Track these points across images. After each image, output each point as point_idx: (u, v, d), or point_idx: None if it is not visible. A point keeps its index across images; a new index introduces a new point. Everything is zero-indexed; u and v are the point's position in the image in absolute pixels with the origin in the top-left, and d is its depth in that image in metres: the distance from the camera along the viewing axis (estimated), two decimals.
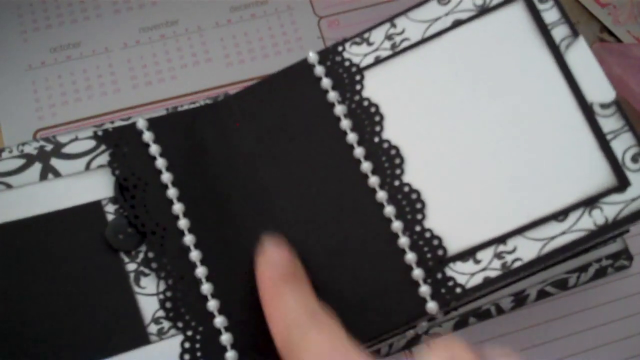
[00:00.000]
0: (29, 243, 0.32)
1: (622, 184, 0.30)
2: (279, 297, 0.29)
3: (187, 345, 0.31)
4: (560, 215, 0.31)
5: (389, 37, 0.34)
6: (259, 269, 0.30)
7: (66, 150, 0.33)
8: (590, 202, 0.30)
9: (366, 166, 0.32)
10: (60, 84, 0.42)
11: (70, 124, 0.41)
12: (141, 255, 0.32)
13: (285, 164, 0.33)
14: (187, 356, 0.30)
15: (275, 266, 0.30)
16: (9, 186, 0.32)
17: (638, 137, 0.31)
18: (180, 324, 0.31)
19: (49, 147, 0.33)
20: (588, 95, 0.32)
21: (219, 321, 0.31)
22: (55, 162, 0.33)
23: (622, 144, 0.31)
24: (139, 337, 0.31)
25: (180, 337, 0.31)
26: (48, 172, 0.33)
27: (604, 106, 0.32)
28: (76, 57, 0.43)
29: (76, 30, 0.43)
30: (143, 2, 0.44)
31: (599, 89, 0.32)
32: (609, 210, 0.30)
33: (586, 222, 0.30)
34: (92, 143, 0.34)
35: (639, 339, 0.38)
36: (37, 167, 0.33)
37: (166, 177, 0.33)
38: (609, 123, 0.31)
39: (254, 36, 0.44)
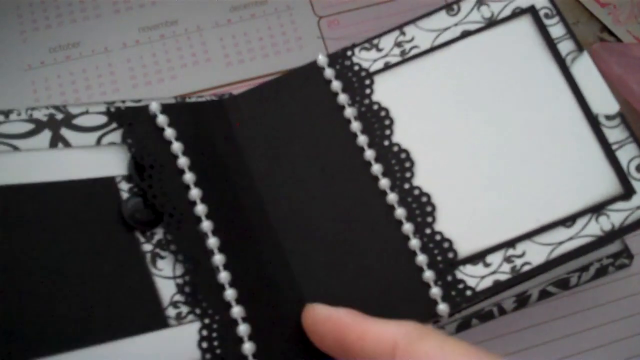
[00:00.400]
0: (39, 209, 0.30)
1: (627, 192, 0.32)
2: (370, 324, 0.28)
3: (204, 333, 0.30)
4: (568, 221, 0.31)
5: (398, 44, 0.35)
6: (329, 318, 0.29)
7: (77, 122, 0.32)
8: (596, 209, 0.31)
9: (376, 168, 0.33)
10: (59, 84, 0.42)
11: None
12: (157, 237, 0.31)
13: (294, 163, 0.33)
14: (205, 344, 0.30)
15: (342, 310, 0.29)
16: (15, 148, 0.31)
17: None
18: (198, 311, 0.30)
19: (59, 115, 0.32)
20: (593, 107, 0.33)
21: (236, 311, 0.30)
22: (65, 132, 0.32)
23: (627, 154, 0.32)
24: (158, 320, 0.30)
25: (199, 324, 0.30)
26: (58, 140, 0.32)
27: (609, 118, 0.33)
28: (75, 57, 0.43)
29: (75, 30, 0.43)
30: (143, 2, 0.44)
31: (603, 101, 0.33)
32: (615, 217, 0.31)
33: (593, 228, 0.31)
34: (103, 118, 0.33)
35: (639, 339, 0.38)
36: (46, 134, 0.32)
37: (183, 161, 0.32)
38: (614, 134, 0.32)
39: (253, 36, 0.44)
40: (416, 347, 0.26)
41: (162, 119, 0.33)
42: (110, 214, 0.31)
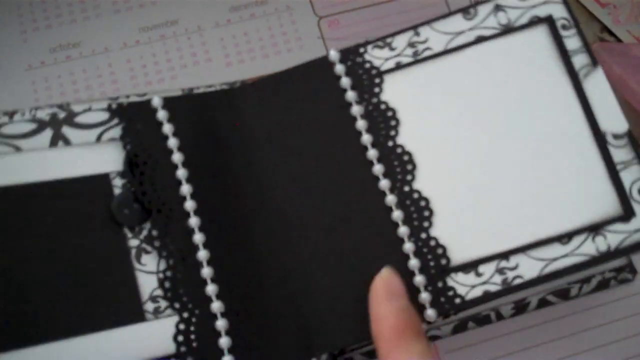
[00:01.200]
0: (34, 208, 0.31)
1: (627, 214, 0.31)
2: (404, 350, 0.28)
3: (182, 327, 0.31)
4: (565, 237, 0.31)
5: (411, 45, 0.34)
6: (379, 311, 0.29)
7: (79, 120, 0.33)
8: (594, 229, 0.31)
9: (378, 169, 0.32)
10: (60, 83, 0.42)
11: None
12: (144, 232, 0.32)
13: (297, 157, 0.33)
14: (180, 337, 0.30)
15: (401, 314, 0.29)
16: (18, 149, 0.32)
17: None
18: (177, 305, 0.31)
19: (61, 114, 0.33)
20: (602, 124, 0.32)
21: (216, 306, 0.31)
22: (66, 130, 0.33)
23: (631, 175, 0.32)
24: (135, 314, 0.31)
25: (176, 318, 0.31)
26: (59, 139, 0.32)
27: (616, 137, 0.32)
28: (76, 57, 0.43)
29: (76, 30, 0.43)
30: (143, 2, 0.44)
31: (613, 119, 0.32)
32: (613, 238, 0.31)
33: (589, 247, 0.31)
34: (105, 115, 0.33)
35: (638, 340, 0.38)
36: (48, 133, 0.32)
37: (177, 157, 0.33)
38: (620, 154, 0.32)
39: (253, 36, 0.44)
40: None
41: (162, 114, 0.33)
42: (101, 210, 0.32)
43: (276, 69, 0.35)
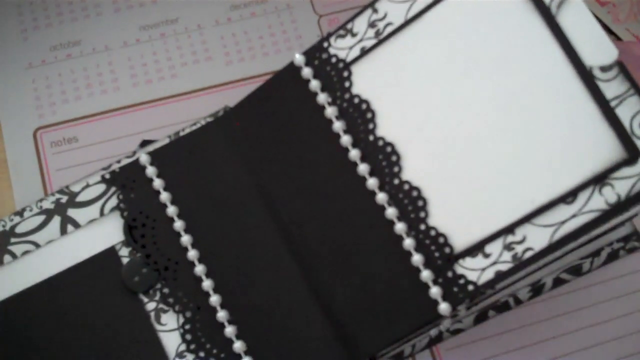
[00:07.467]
0: (54, 299, 0.32)
1: (632, 155, 0.27)
2: None
3: None
4: (569, 197, 0.27)
5: (372, 25, 0.32)
6: None
7: (80, 198, 0.34)
8: (599, 180, 0.27)
9: (363, 168, 0.31)
10: (60, 82, 0.42)
11: (70, 122, 0.41)
12: (159, 293, 0.32)
13: (287, 175, 0.33)
14: None
15: None
16: (37, 245, 0.33)
17: None
18: (202, 354, 0.31)
19: (64, 198, 0.34)
20: (586, 58, 0.28)
21: (238, 346, 0.31)
22: (72, 212, 0.34)
23: (629, 110, 0.27)
24: None
25: None
26: (67, 223, 0.34)
27: (604, 69, 0.27)
28: (76, 56, 0.43)
29: (76, 28, 0.43)
30: (143, 1, 0.44)
31: (598, 49, 0.27)
32: (621, 185, 0.27)
33: (597, 202, 0.27)
34: (102, 187, 0.34)
35: (635, 338, 0.38)
36: (56, 220, 0.34)
37: (171, 210, 0.33)
38: (612, 87, 0.27)
39: (253, 34, 0.44)
40: None
41: (150, 171, 0.34)
42: (113, 283, 0.33)
43: (276, 67, 0.36)
